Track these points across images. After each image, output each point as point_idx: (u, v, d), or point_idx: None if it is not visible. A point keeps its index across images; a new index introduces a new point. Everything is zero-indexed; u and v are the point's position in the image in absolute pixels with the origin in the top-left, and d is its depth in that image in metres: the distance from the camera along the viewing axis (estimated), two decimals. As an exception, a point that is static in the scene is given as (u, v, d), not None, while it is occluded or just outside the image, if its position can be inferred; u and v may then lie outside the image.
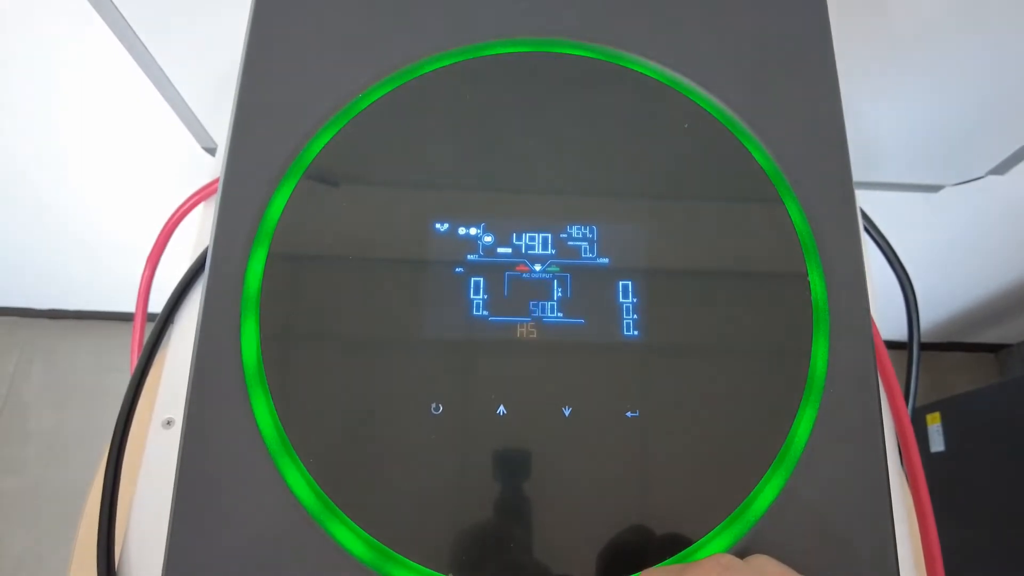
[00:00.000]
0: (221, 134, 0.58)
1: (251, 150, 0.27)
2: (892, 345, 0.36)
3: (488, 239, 0.26)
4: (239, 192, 0.27)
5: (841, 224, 0.27)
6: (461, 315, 0.25)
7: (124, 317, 1.20)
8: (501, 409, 0.24)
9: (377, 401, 0.24)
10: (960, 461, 0.98)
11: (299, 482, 0.23)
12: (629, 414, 0.25)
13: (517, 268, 0.26)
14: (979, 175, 0.64)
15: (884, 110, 0.55)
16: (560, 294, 0.26)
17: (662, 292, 0.26)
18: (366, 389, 0.24)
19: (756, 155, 0.28)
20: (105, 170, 0.73)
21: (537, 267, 0.26)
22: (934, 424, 1.03)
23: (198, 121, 0.58)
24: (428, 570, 0.23)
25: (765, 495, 0.24)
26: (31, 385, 1.18)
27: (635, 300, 0.26)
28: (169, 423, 0.36)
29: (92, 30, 0.46)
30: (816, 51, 0.30)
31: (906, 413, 0.36)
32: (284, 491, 0.23)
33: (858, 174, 0.28)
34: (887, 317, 0.40)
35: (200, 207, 0.45)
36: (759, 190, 0.28)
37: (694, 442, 0.23)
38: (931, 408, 1.04)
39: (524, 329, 0.25)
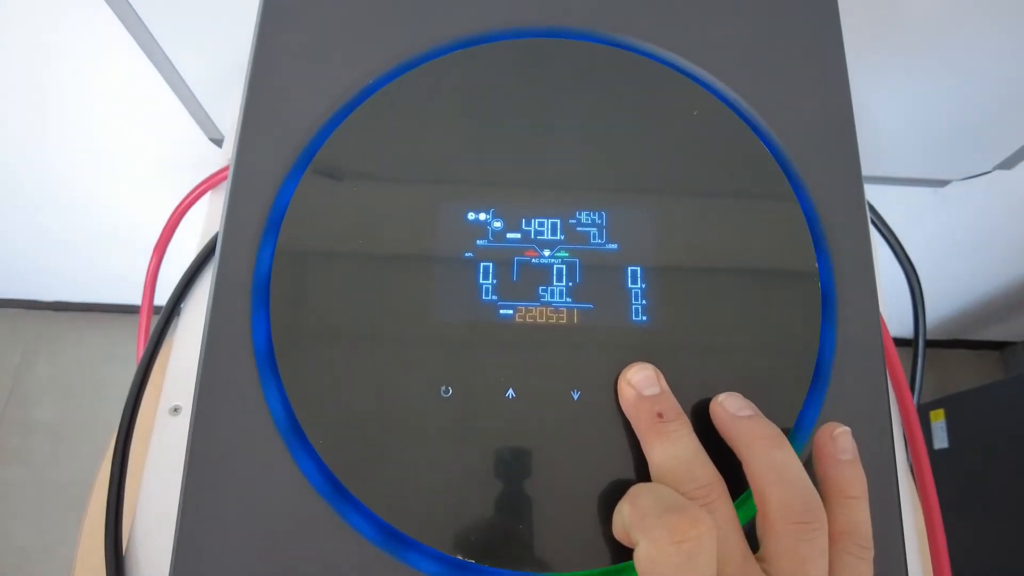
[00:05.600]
0: (228, 125, 0.58)
1: (261, 137, 0.27)
2: (897, 343, 0.36)
3: (497, 225, 0.26)
4: (249, 178, 0.27)
5: (849, 211, 0.27)
6: (471, 300, 0.25)
7: (129, 309, 1.20)
8: (510, 392, 0.24)
9: (387, 384, 0.24)
10: (964, 458, 0.98)
11: (310, 465, 0.23)
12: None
13: (526, 253, 0.26)
14: (986, 170, 0.64)
15: (891, 104, 0.55)
16: (569, 279, 0.26)
17: (670, 278, 0.26)
18: (376, 373, 0.24)
19: (766, 143, 0.28)
20: (111, 162, 0.73)
21: (546, 252, 0.26)
22: (938, 421, 1.03)
23: (205, 112, 0.59)
24: (439, 552, 0.23)
25: (772, 481, 0.24)
26: (36, 377, 1.19)
27: (643, 286, 0.26)
28: (176, 410, 0.36)
29: (99, 18, 0.46)
30: (826, 40, 0.30)
31: (913, 408, 0.36)
32: (295, 474, 0.23)
33: (865, 168, 0.28)
34: (893, 315, 0.40)
35: (207, 196, 0.45)
36: (768, 178, 0.28)
37: (701, 427, 0.23)
38: (935, 405, 1.04)
39: (533, 313, 0.25)
